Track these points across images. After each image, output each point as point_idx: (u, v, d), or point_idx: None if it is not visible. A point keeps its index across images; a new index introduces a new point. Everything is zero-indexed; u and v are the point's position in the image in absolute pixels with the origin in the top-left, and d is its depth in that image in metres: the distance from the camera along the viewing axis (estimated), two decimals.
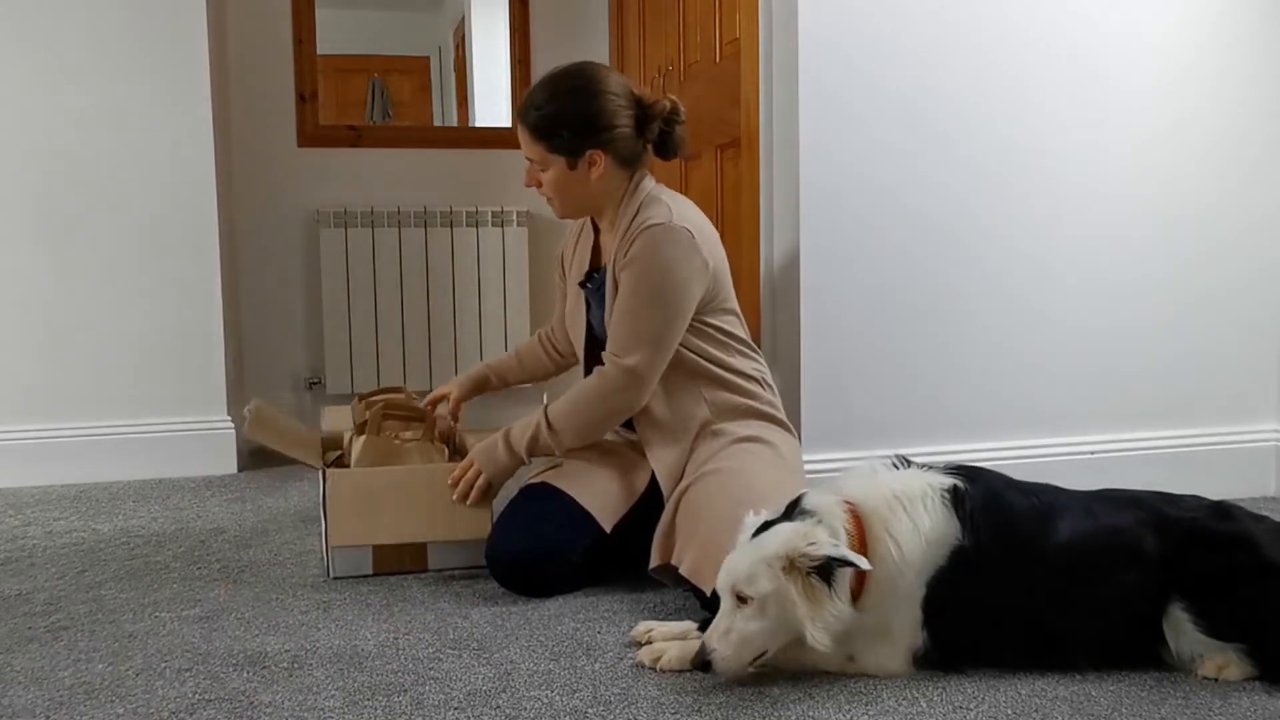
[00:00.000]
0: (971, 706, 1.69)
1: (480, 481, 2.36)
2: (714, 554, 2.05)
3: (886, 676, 1.79)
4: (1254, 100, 3.06)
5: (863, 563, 1.68)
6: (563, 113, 2.28)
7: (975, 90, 2.85)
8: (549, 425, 2.30)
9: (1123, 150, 2.97)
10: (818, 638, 1.69)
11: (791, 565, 1.70)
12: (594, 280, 2.43)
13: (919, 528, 1.77)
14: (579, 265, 2.50)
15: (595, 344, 2.42)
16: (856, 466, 1.89)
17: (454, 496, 2.36)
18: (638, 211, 2.30)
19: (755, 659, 1.74)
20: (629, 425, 2.37)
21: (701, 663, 1.72)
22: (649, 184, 2.36)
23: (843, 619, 1.71)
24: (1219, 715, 1.66)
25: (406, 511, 2.40)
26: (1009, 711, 1.68)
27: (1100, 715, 1.67)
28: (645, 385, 2.25)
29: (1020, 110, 2.89)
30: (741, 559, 1.73)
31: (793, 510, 1.80)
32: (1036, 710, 1.68)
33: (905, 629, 1.79)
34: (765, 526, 1.78)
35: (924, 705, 1.70)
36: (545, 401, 2.36)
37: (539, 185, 2.37)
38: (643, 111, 2.32)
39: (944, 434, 2.84)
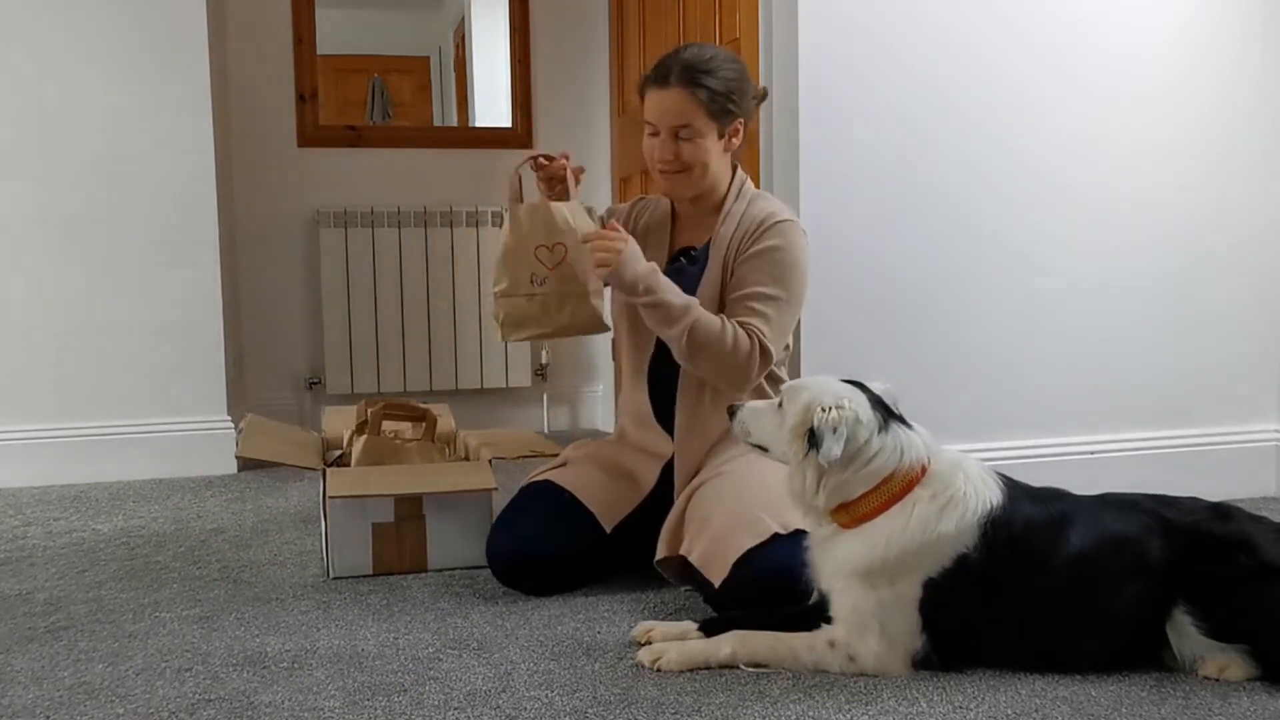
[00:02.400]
0: (971, 706, 1.69)
1: (612, 255, 2.10)
2: (725, 547, 2.05)
3: (886, 677, 1.79)
4: (1256, 104, 3.07)
5: (830, 455, 1.76)
6: (734, 79, 2.25)
7: (976, 91, 2.85)
8: (691, 328, 2.13)
9: (1125, 152, 2.98)
10: (793, 474, 1.86)
11: (807, 413, 1.82)
12: (689, 258, 2.36)
13: (942, 526, 1.78)
14: (653, 245, 2.38)
15: None
16: (957, 451, 1.92)
17: (590, 245, 2.16)
18: (751, 202, 2.31)
19: (756, 445, 1.96)
20: (661, 421, 2.34)
21: (730, 409, 2.01)
22: (748, 179, 2.39)
23: (804, 483, 1.84)
24: (1219, 715, 1.66)
25: (406, 474, 2.48)
26: (1009, 711, 1.68)
27: (1100, 715, 1.67)
28: (766, 371, 2.24)
29: (1021, 112, 2.89)
30: (805, 384, 1.90)
31: (898, 416, 1.88)
32: (1036, 710, 1.68)
33: (903, 631, 1.79)
34: (872, 398, 1.86)
35: (924, 705, 1.70)
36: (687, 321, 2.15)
37: (673, 158, 2.25)
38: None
39: (944, 434, 2.81)
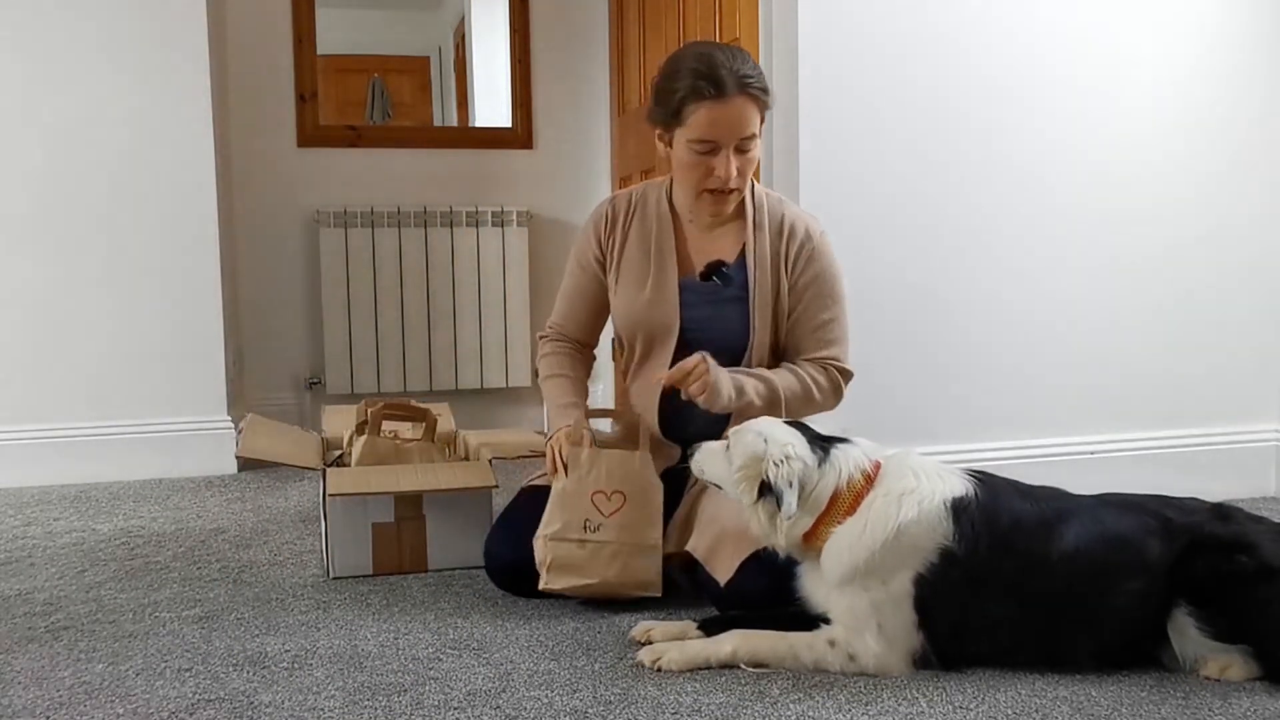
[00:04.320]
0: (971, 706, 1.69)
1: (706, 384, 2.07)
2: (733, 546, 2.04)
3: (886, 676, 1.79)
4: (1257, 106, 3.07)
5: (789, 511, 1.80)
6: (762, 72, 2.16)
7: (976, 93, 2.85)
8: (785, 407, 2.14)
9: (1125, 153, 2.98)
10: (750, 519, 1.88)
11: (760, 463, 1.84)
12: (723, 276, 2.25)
13: (903, 515, 1.79)
14: (660, 258, 2.27)
15: (684, 342, 2.24)
16: (903, 450, 1.93)
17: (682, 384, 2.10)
18: (772, 209, 2.26)
19: (710, 484, 2.01)
20: (670, 436, 2.28)
21: (684, 454, 2.06)
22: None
23: (759, 525, 1.87)
24: (1219, 715, 1.66)
25: (406, 473, 2.47)
26: (1009, 711, 1.68)
27: (1100, 715, 1.67)
28: (849, 381, 2.28)
29: (1021, 113, 2.89)
30: (755, 428, 1.91)
31: (833, 440, 1.90)
32: (1036, 710, 1.68)
33: (900, 629, 1.79)
34: (809, 435, 1.89)
35: (924, 705, 1.70)
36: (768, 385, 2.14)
37: (738, 174, 2.16)
38: None
39: (944, 434, 2.84)
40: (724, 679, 1.79)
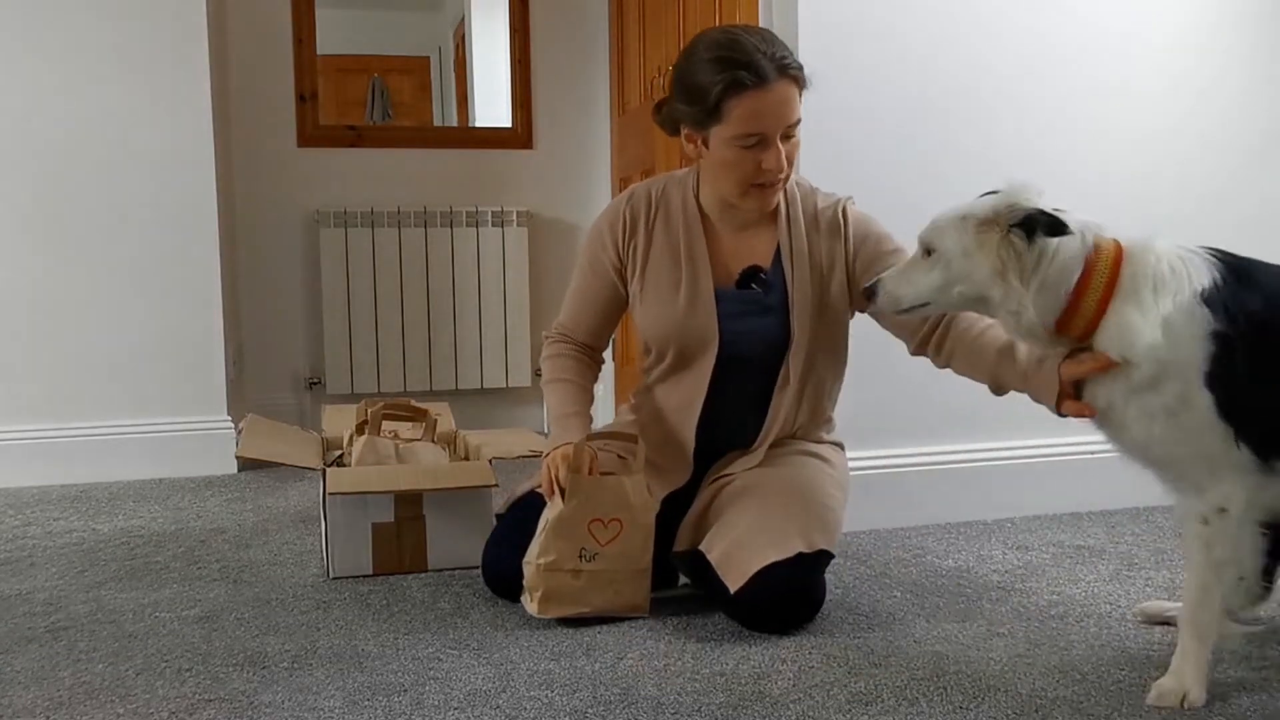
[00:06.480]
0: (971, 707, 1.69)
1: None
2: (748, 555, 2.00)
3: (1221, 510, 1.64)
4: (1249, 103, 3.07)
5: (1076, 230, 1.61)
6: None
7: (975, 91, 2.85)
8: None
9: (1121, 153, 2.98)
10: (999, 298, 1.67)
11: (993, 224, 1.65)
12: (760, 282, 2.15)
13: (1181, 299, 1.63)
14: (692, 265, 2.16)
15: (725, 356, 2.14)
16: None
17: None
18: (805, 199, 2.17)
19: (915, 306, 1.76)
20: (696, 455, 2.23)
21: (868, 289, 1.82)
22: None
23: (1025, 292, 1.64)
24: (1219, 715, 1.66)
25: (406, 472, 2.47)
26: (1009, 711, 1.68)
27: (1100, 715, 1.67)
28: None
29: (1021, 108, 2.89)
30: (944, 214, 1.72)
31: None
32: (1036, 710, 1.68)
33: (1217, 449, 1.63)
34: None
35: (924, 705, 1.70)
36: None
37: (786, 165, 2.05)
38: None
39: (942, 434, 2.83)
40: (724, 679, 1.80)
